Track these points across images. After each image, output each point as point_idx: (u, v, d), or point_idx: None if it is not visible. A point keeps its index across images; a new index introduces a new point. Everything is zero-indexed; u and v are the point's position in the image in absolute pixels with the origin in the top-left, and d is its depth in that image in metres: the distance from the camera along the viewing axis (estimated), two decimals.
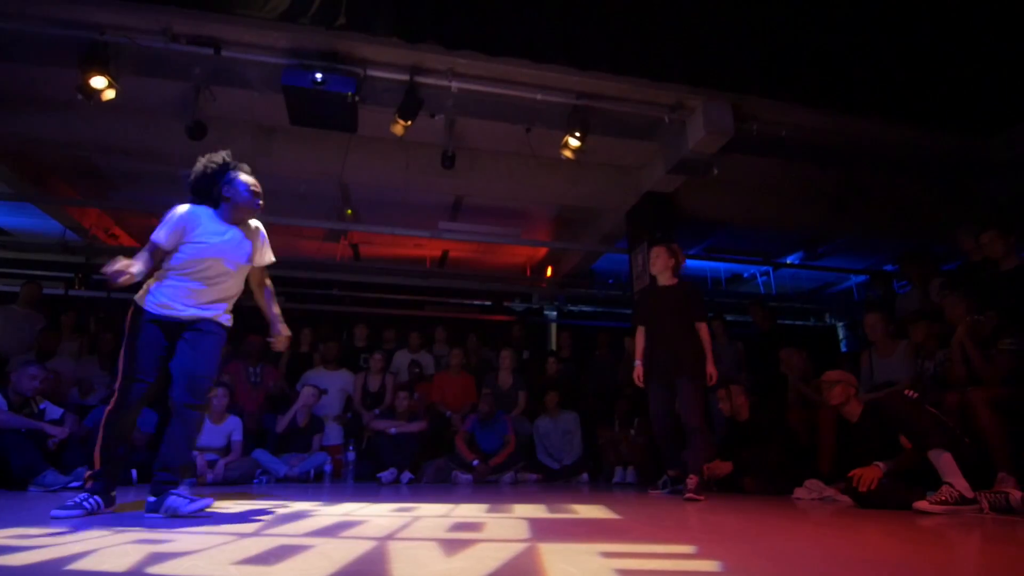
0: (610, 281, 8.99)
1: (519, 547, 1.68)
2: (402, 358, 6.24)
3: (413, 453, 4.86)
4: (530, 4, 4.44)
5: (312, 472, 4.69)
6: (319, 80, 4.15)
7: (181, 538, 1.82)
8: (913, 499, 2.72)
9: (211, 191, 2.52)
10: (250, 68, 4.47)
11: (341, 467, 4.91)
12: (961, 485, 2.66)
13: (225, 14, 4.05)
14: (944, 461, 2.76)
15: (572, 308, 9.58)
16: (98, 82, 4.10)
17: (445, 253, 8.45)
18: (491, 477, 4.81)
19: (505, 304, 9.41)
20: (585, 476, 5.05)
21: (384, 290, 8.50)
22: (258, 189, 2.59)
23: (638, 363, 3.80)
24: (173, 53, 4.28)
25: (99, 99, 4.18)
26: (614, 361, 6.72)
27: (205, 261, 2.43)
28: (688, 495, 3.34)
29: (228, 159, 2.58)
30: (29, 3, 4.00)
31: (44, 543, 1.66)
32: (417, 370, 6.11)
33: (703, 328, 3.68)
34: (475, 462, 4.82)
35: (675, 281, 3.84)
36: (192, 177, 2.52)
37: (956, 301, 3.61)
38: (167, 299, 2.41)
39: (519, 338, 7.09)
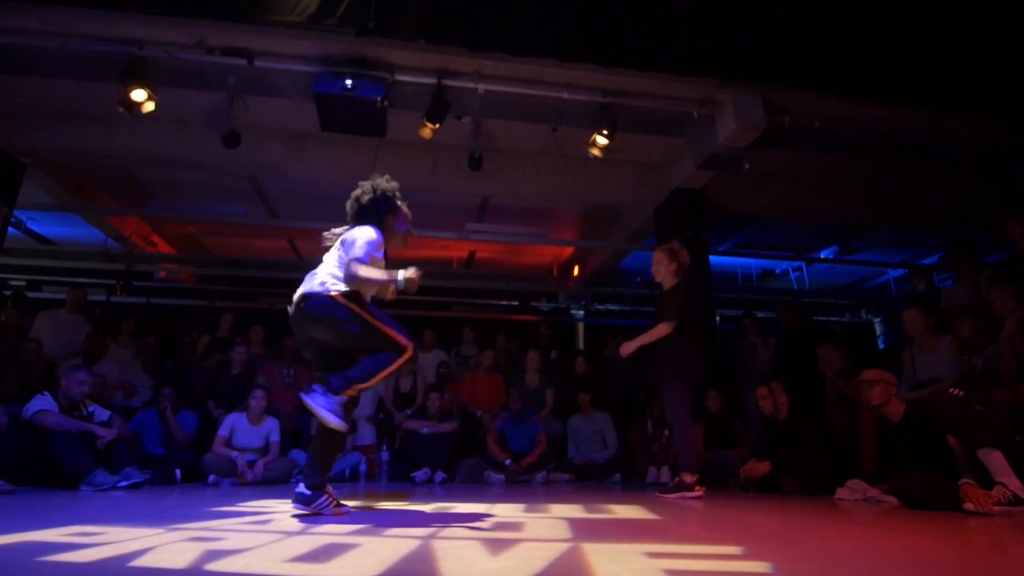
0: (638, 279, 8.92)
1: (562, 547, 1.68)
2: (423, 359, 6.23)
3: (446, 453, 4.89)
4: (554, 3, 4.43)
5: (347, 472, 4.77)
6: (349, 86, 4.21)
7: (231, 536, 1.87)
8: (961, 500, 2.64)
9: (381, 214, 2.70)
10: (281, 77, 4.57)
11: (375, 467, 4.98)
12: (1015, 485, 2.56)
13: (257, 25, 4.15)
14: (995, 460, 2.67)
15: (599, 307, 9.53)
16: (138, 95, 4.24)
17: (472, 254, 8.50)
18: (523, 477, 4.82)
19: (532, 304, 9.42)
20: (618, 476, 5.02)
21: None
22: (411, 218, 2.84)
23: None
24: (208, 65, 4.40)
25: (139, 112, 4.32)
26: (640, 360, 6.65)
27: None
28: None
29: (397, 186, 2.77)
30: (72, 22, 4.15)
31: (102, 540, 1.72)
32: (445, 370, 6.15)
33: (660, 326, 3.64)
34: (507, 462, 4.84)
35: (675, 281, 3.74)
36: (367, 200, 2.68)
37: (1005, 294, 3.49)
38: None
39: (546, 338, 7.08)
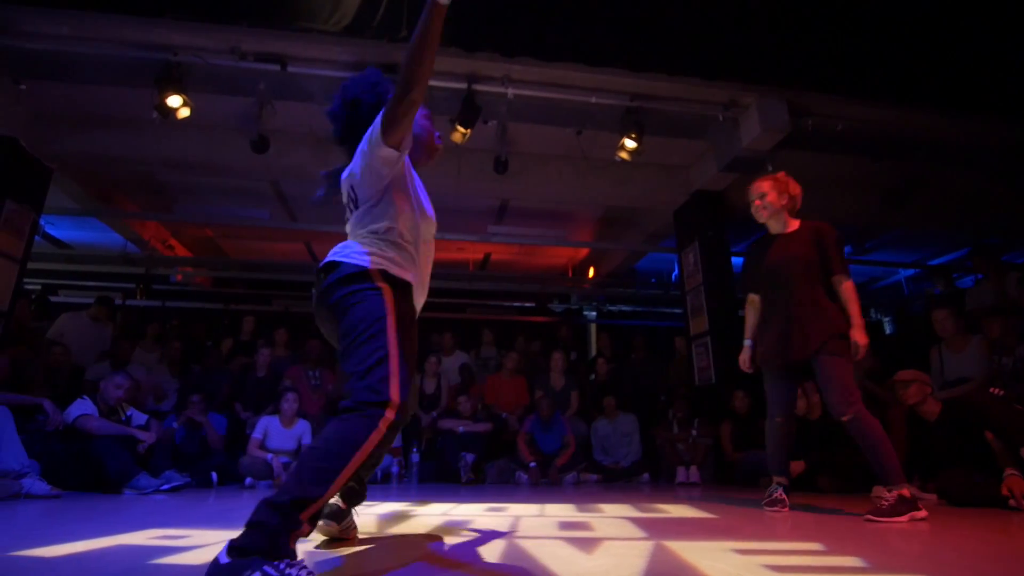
0: (652, 280, 8.98)
1: (647, 545, 1.73)
2: (445, 362, 6.26)
3: (480, 452, 4.93)
4: (584, 9, 4.48)
5: (379, 474, 4.80)
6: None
7: (314, 537, 1.90)
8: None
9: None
10: (313, 82, 4.59)
11: (403, 468, 5.02)
12: None
13: (291, 31, 4.19)
14: None
15: (612, 308, 9.59)
16: (174, 101, 4.27)
17: (487, 256, 8.54)
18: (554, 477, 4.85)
19: (546, 305, 9.47)
20: (646, 476, 5.06)
21: (429, 294, 8.60)
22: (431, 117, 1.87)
23: (748, 343, 2.93)
24: (240, 70, 4.42)
25: (175, 117, 4.35)
26: (658, 362, 6.72)
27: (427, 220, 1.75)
28: (886, 518, 2.36)
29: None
30: (107, 28, 4.17)
31: (194, 543, 1.75)
32: (467, 372, 6.19)
33: (846, 285, 2.74)
34: (532, 463, 4.87)
35: (796, 225, 2.92)
36: (348, 102, 1.72)
37: None
38: (411, 274, 1.70)
39: (567, 339, 7.13)
